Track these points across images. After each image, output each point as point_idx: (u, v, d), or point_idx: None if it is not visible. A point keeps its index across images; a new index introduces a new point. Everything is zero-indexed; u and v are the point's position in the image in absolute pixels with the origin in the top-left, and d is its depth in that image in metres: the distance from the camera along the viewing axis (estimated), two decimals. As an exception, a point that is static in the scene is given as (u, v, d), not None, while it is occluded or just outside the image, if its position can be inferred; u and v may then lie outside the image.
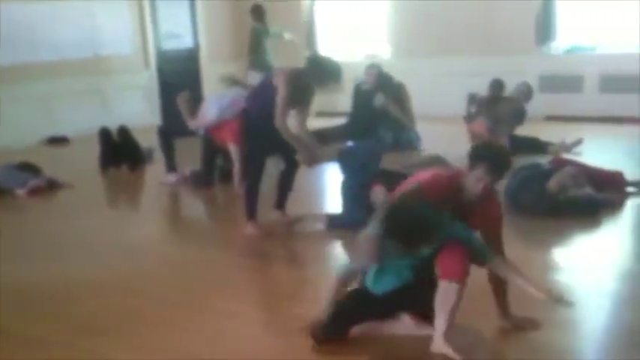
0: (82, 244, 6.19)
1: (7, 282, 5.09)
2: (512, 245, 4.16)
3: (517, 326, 4.02)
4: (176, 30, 12.97)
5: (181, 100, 8.11)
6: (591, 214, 6.18)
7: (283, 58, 11.55)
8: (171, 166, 8.28)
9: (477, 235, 3.87)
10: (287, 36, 11.98)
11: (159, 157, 8.69)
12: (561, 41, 11.49)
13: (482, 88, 9.17)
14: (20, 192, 7.88)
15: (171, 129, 8.59)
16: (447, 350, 3.70)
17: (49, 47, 10.99)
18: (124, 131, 9.24)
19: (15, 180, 8.01)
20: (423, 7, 11.97)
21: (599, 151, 8.44)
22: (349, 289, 4.08)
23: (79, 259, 5.76)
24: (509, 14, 11.37)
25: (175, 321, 4.41)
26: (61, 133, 11.19)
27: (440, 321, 3.72)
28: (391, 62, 11.27)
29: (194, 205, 7.94)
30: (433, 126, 10.05)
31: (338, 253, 5.83)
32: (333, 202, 6.83)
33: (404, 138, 9.33)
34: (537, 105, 9.47)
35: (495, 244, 3.93)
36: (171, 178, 8.25)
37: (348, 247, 5.63)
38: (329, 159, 6.76)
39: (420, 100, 10.04)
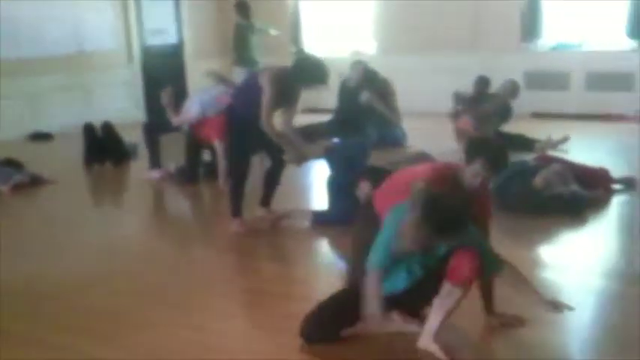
0: (66, 240, 6.15)
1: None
2: (498, 242, 4.14)
3: (503, 324, 4.01)
4: (160, 26, 12.90)
5: (165, 96, 8.06)
6: (577, 211, 6.18)
7: (269, 54, 11.53)
8: (155, 163, 8.25)
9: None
10: (272, 32, 11.95)
11: (143, 153, 8.65)
12: (547, 38, 11.50)
13: (468, 85, 9.17)
14: (3, 188, 7.80)
15: (156, 125, 8.56)
16: (434, 348, 3.69)
17: (32, 43, 10.89)
18: (107, 127, 9.19)
19: (-2, 176, 7.95)
20: (408, 4, 11.96)
21: (585, 149, 8.46)
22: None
23: (62, 256, 5.72)
24: (495, 11, 11.38)
25: (161, 320, 4.38)
26: (45, 129, 11.09)
27: (433, 320, 3.70)
28: (377, 58, 11.23)
29: (178, 202, 7.90)
30: (419, 122, 10.03)
31: (324, 250, 5.81)
32: (318, 198, 6.81)
33: (390, 134, 9.30)
34: (523, 102, 9.47)
35: (485, 239, 3.94)
36: (156, 174, 8.21)
37: (334, 243, 5.63)
38: (316, 156, 6.73)
39: (405, 96, 10.01)
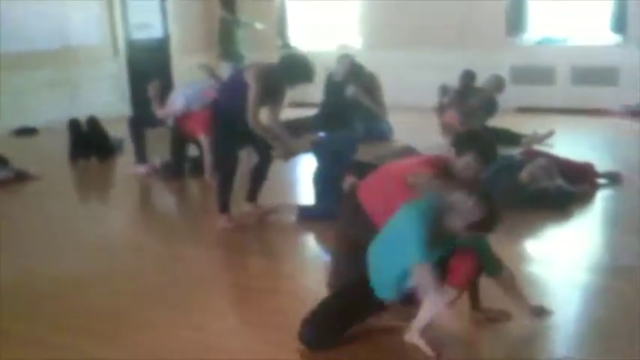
0: (52, 237, 6.11)
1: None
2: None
3: (489, 319, 4.02)
4: (146, 20, 12.85)
5: (152, 89, 8.05)
6: (562, 206, 6.20)
7: (255, 48, 11.52)
8: (141, 157, 8.22)
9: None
10: (258, 26, 11.92)
11: (129, 147, 8.61)
12: (532, 33, 11.53)
13: (453, 79, 9.17)
14: (-12, 184, 7.78)
15: (142, 119, 8.53)
16: (421, 343, 3.70)
17: (17, 38, 10.82)
18: (93, 122, 9.16)
19: (-18, 172, 7.91)
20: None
21: (570, 143, 8.50)
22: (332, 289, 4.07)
23: (48, 252, 5.69)
24: (481, 5, 11.40)
25: (149, 317, 4.36)
26: (30, 124, 11.04)
27: (423, 315, 3.70)
28: (363, 53, 11.23)
29: (165, 198, 7.87)
30: (405, 117, 10.05)
31: (311, 245, 5.82)
32: (305, 193, 6.81)
33: (376, 129, 9.30)
34: (509, 96, 9.49)
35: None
36: (142, 169, 8.19)
37: (321, 238, 5.64)
38: (304, 151, 6.74)
39: (391, 91, 10.02)
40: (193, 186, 7.96)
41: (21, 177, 8.02)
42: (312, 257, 5.53)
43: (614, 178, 6.94)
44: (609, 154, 8.06)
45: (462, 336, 3.82)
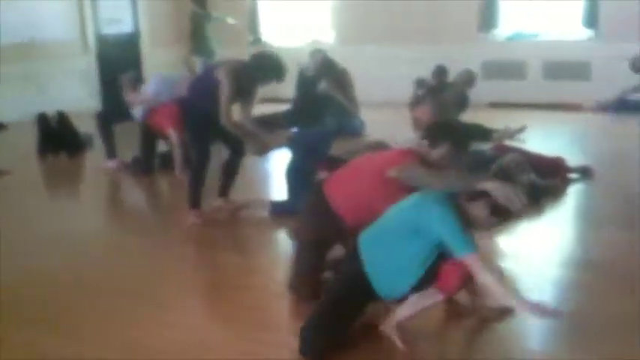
0: (21, 232, 6.06)
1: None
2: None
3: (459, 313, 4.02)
4: (116, 14, 12.75)
5: (126, 80, 8.05)
6: (534, 201, 6.21)
7: (226, 43, 11.47)
8: (110, 153, 8.17)
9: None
10: (229, 20, 11.88)
11: (98, 143, 8.54)
12: (504, 28, 11.56)
13: (425, 75, 9.18)
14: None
15: (110, 114, 8.47)
16: (395, 335, 3.69)
17: (-16, 31, 10.70)
18: (62, 117, 9.07)
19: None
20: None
21: (542, 138, 8.51)
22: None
23: (17, 247, 5.63)
24: (452, 1, 11.40)
25: (118, 312, 4.33)
26: (-2, 118, 10.92)
27: (404, 311, 3.69)
28: (335, 48, 11.22)
29: (135, 193, 7.82)
30: (377, 112, 10.04)
31: (283, 240, 5.78)
32: (277, 188, 6.78)
33: (348, 124, 9.27)
34: (480, 91, 9.49)
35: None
36: (111, 164, 8.13)
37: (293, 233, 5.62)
38: (278, 145, 6.70)
39: (363, 86, 10.01)
40: (163, 181, 7.90)
41: (-11, 172, 7.94)
42: (285, 252, 5.48)
43: (585, 173, 6.98)
44: (580, 148, 8.10)
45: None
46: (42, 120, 8.97)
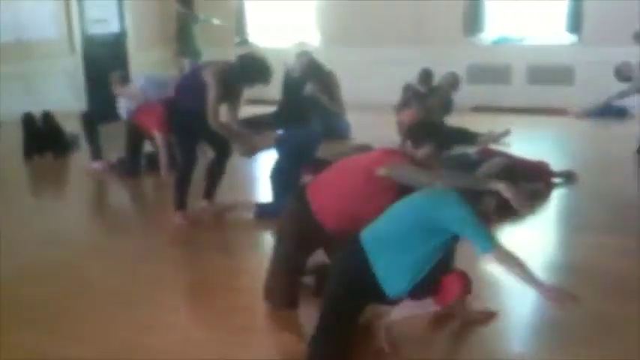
0: (5, 233, 6.02)
1: None
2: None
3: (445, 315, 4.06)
4: (102, 15, 12.71)
5: (115, 77, 8.14)
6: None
7: (213, 44, 11.46)
8: (96, 153, 8.16)
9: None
10: (215, 21, 11.89)
11: (84, 143, 8.53)
12: (489, 32, 11.60)
13: (411, 78, 9.19)
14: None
15: (96, 114, 8.47)
16: (382, 336, 3.74)
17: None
18: (48, 117, 9.05)
19: None
20: (352, -4, 11.99)
21: (526, 142, 8.56)
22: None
23: (2, 249, 5.60)
24: (438, 4, 11.43)
25: (104, 313, 4.35)
26: (-17, 119, 10.88)
27: (397, 313, 3.74)
28: (320, 50, 11.23)
29: (120, 194, 7.81)
30: (363, 115, 10.06)
31: (269, 242, 5.79)
32: (262, 190, 6.80)
33: (334, 127, 9.28)
34: (465, 95, 9.55)
35: None
36: (97, 165, 8.12)
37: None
38: (267, 146, 6.72)
39: (349, 88, 10.03)
40: (149, 183, 7.89)
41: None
42: (270, 254, 5.50)
43: (568, 177, 7.03)
44: (564, 153, 8.15)
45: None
46: (27, 120, 8.95)
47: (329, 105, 9.43)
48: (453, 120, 8.68)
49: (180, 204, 6.04)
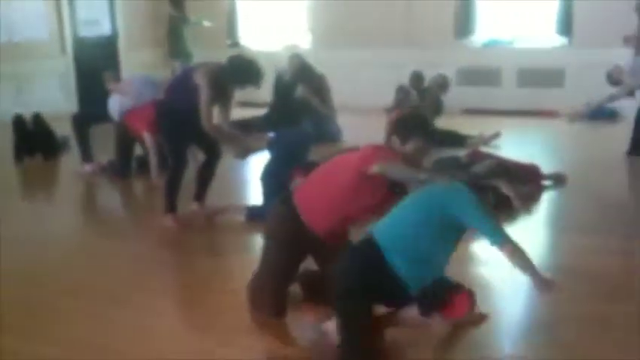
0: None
1: None
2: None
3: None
4: (94, 16, 12.70)
5: (108, 75, 8.18)
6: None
7: (204, 46, 11.46)
8: (86, 155, 8.13)
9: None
10: (206, 23, 11.90)
11: (75, 145, 8.50)
12: (480, 35, 11.63)
13: (402, 80, 9.21)
14: None
15: (86, 116, 8.44)
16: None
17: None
18: (38, 119, 9.02)
19: None
20: (344, -2, 12.00)
21: (516, 144, 8.59)
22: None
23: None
24: (429, 7, 11.46)
25: (93, 316, 4.34)
26: (-27, 120, 10.84)
27: (409, 314, 3.73)
28: (311, 52, 11.24)
29: (111, 196, 7.79)
30: (354, 117, 10.07)
31: (259, 246, 5.78)
32: (253, 193, 6.79)
33: (325, 130, 9.30)
34: (456, 98, 9.58)
35: None
36: (87, 167, 8.10)
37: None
38: (260, 148, 6.72)
39: (340, 91, 10.04)
40: (139, 185, 7.88)
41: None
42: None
43: (558, 180, 7.05)
44: (554, 155, 8.18)
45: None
46: (18, 122, 8.92)
47: (320, 108, 9.43)
48: (443, 122, 8.70)
49: (171, 207, 6.03)
